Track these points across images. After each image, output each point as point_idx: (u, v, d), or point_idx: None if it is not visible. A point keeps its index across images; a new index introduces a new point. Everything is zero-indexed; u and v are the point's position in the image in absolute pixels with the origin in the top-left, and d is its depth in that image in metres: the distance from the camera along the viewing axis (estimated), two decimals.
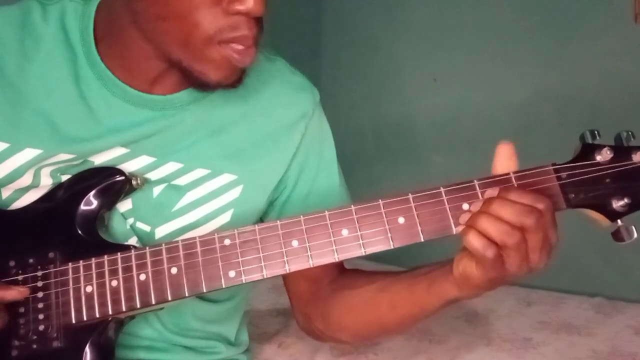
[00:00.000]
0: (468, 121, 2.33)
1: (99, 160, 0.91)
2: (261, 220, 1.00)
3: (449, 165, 2.32)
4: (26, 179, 0.90)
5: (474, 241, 0.73)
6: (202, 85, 0.85)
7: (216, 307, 1.02)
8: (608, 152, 0.76)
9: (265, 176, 0.96)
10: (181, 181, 0.93)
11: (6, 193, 0.92)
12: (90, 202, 0.89)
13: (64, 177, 0.91)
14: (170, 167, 0.93)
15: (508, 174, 0.78)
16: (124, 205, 0.93)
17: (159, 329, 0.97)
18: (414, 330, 1.57)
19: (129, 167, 0.91)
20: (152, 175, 0.92)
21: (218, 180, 0.94)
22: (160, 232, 0.94)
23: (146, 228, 0.94)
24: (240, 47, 0.82)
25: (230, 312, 1.06)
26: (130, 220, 0.93)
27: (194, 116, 0.93)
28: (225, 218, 0.95)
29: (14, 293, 0.84)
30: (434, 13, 2.39)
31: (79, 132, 0.90)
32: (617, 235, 0.77)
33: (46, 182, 0.91)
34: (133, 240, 0.93)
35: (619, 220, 0.76)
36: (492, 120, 2.27)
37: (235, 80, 0.85)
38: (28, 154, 0.89)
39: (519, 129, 2.19)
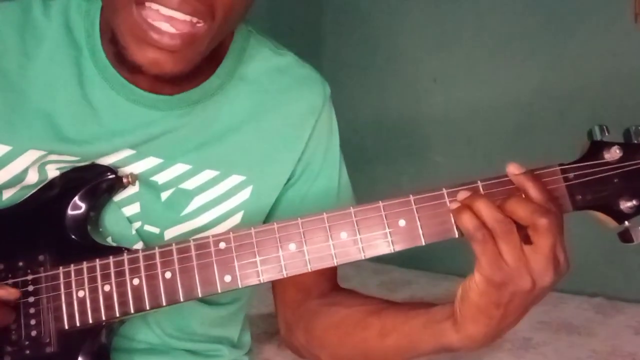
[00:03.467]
0: (468, 121, 2.33)
1: (105, 161, 0.88)
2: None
3: (449, 165, 2.32)
4: (32, 178, 0.88)
5: (466, 219, 0.70)
6: (131, 67, 0.80)
7: (220, 310, 1.00)
8: (617, 151, 0.73)
9: (275, 175, 0.93)
10: (189, 185, 0.90)
11: (12, 191, 0.89)
12: (79, 202, 0.86)
13: None
14: (179, 168, 0.90)
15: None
16: (131, 209, 0.90)
17: (159, 334, 0.95)
18: None
19: (135, 168, 0.89)
20: (160, 178, 0.90)
21: (227, 182, 0.91)
22: (169, 234, 0.91)
23: (155, 230, 0.91)
24: (161, 24, 0.76)
25: (234, 314, 1.03)
26: (137, 224, 0.91)
27: (201, 116, 0.90)
28: (235, 220, 0.92)
29: (2, 293, 0.81)
30: (434, 13, 2.39)
31: (82, 134, 0.87)
32: (624, 237, 0.74)
33: (53, 177, 0.89)
34: (139, 246, 0.90)
35: (626, 222, 0.73)
36: (492, 120, 2.27)
37: (165, 68, 0.79)
38: (32, 155, 0.87)
39: (519, 128, 2.19)
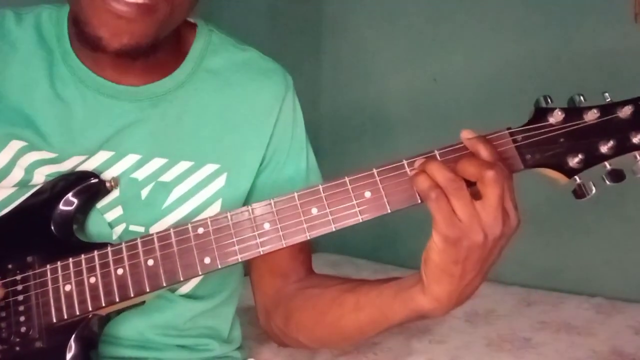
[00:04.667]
0: (468, 121, 2.33)
1: (86, 166, 0.93)
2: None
3: None
4: (17, 174, 0.92)
5: (420, 180, 0.75)
6: (95, 44, 0.84)
7: (203, 303, 1.02)
8: (560, 114, 0.78)
9: (247, 162, 0.98)
10: (167, 177, 0.95)
11: (5, 192, 0.93)
12: (66, 206, 0.90)
13: None
14: (156, 163, 0.94)
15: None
16: (113, 214, 0.94)
17: (145, 330, 0.98)
18: (413, 329, 1.57)
19: (117, 169, 0.93)
20: (139, 175, 0.94)
21: (202, 172, 0.96)
22: (154, 230, 0.93)
23: (140, 229, 0.95)
24: None
25: (219, 308, 1.06)
26: (122, 227, 0.94)
27: (171, 108, 0.95)
28: (215, 208, 0.96)
29: None
30: (434, 13, 2.39)
31: (58, 130, 0.92)
32: (577, 193, 0.78)
33: (39, 181, 0.92)
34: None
35: (576, 177, 0.78)
36: (492, 121, 2.27)
37: (128, 39, 0.84)
38: (14, 146, 0.91)
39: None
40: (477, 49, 2.31)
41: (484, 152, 0.76)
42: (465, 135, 0.78)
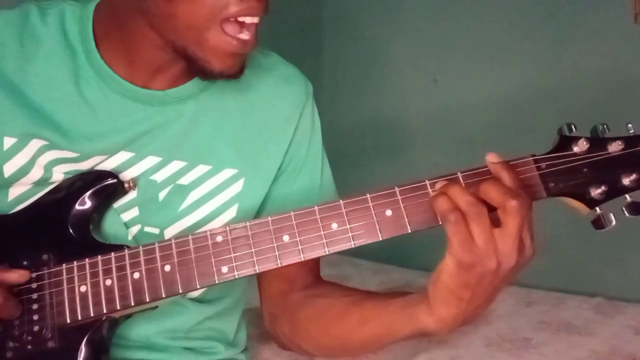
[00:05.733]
0: (468, 121, 2.33)
1: (106, 165, 0.92)
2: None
3: (449, 164, 2.31)
4: (36, 173, 0.91)
5: (440, 202, 0.74)
6: (206, 74, 0.87)
7: (212, 307, 1.02)
8: (584, 143, 0.78)
9: (265, 168, 0.97)
10: (185, 180, 0.94)
11: (18, 189, 0.92)
12: (83, 205, 0.89)
13: None
14: (175, 165, 0.94)
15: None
16: (130, 214, 0.94)
17: (153, 335, 0.97)
18: None
19: (136, 170, 0.92)
20: (158, 177, 0.93)
21: (220, 176, 0.95)
22: (169, 233, 0.94)
23: (155, 231, 0.94)
24: (243, 35, 0.84)
25: (227, 311, 1.06)
26: (137, 228, 0.94)
27: (193, 112, 0.94)
28: (231, 213, 0.96)
29: (15, 276, 0.84)
30: (434, 13, 2.39)
31: (80, 131, 0.91)
32: (597, 223, 0.79)
33: (58, 178, 0.92)
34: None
35: (597, 208, 0.78)
36: (492, 121, 2.27)
37: (237, 70, 0.87)
38: (35, 144, 0.90)
39: (518, 129, 2.20)
40: (475, 52, 2.31)
41: (507, 179, 0.75)
42: (491, 159, 0.77)
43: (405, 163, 2.42)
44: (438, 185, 0.78)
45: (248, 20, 0.83)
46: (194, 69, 0.87)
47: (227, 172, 0.95)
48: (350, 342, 0.92)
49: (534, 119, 2.20)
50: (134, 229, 0.94)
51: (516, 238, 0.73)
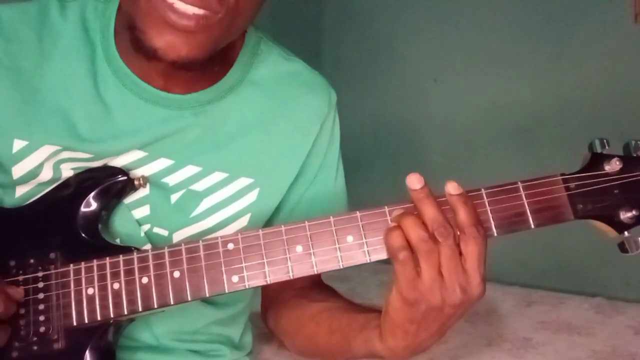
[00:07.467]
0: (468, 121, 2.34)
1: (117, 163, 0.90)
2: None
3: (449, 165, 2.32)
4: (46, 174, 0.89)
5: (392, 237, 0.72)
6: (150, 54, 0.81)
7: (223, 311, 1.01)
8: (617, 163, 0.74)
9: (281, 179, 0.95)
10: (199, 186, 0.92)
11: (26, 188, 0.91)
12: (92, 203, 0.87)
13: None
14: (189, 170, 0.92)
15: (516, 182, 0.76)
16: (141, 212, 0.92)
17: (161, 335, 0.97)
18: None
19: (147, 170, 0.91)
20: (171, 180, 0.92)
21: (235, 185, 0.93)
22: (178, 236, 0.93)
23: (164, 233, 0.93)
24: (179, 4, 0.77)
25: (236, 315, 1.05)
26: (147, 227, 0.92)
27: (212, 118, 0.92)
28: (242, 222, 0.94)
29: (10, 291, 0.83)
30: (434, 13, 2.39)
31: (96, 132, 0.89)
32: (623, 247, 0.75)
33: (67, 175, 0.90)
34: (147, 248, 0.90)
35: (625, 232, 0.75)
36: (491, 121, 2.27)
37: (186, 51, 0.80)
38: (46, 150, 0.88)
39: (518, 128, 2.20)
40: (475, 52, 2.31)
41: (463, 215, 0.72)
42: (450, 190, 0.73)
43: (406, 163, 2.43)
44: (393, 215, 0.74)
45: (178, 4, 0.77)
46: (140, 47, 0.82)
47: (243, 181, 0.93)
48: (319, 347, 0.91)
49: (533, 118, 2.20)
50: (144, 228, 0.92)
51: (479, 269, 0.71)
